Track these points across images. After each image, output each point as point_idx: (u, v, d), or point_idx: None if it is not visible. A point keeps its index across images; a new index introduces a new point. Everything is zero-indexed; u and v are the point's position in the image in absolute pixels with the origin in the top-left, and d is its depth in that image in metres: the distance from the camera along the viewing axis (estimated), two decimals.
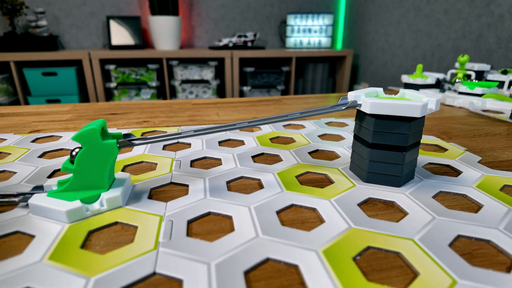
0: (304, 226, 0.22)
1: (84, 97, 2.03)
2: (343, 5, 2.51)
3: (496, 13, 1.22)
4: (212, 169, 0.31)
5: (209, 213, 0.24)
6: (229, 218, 0.23)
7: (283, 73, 2.20)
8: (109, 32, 1.96)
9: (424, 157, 0.34)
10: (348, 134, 0.42)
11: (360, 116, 0.28)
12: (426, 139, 0.41)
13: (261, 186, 0.28)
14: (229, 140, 0.40)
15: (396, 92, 0.29)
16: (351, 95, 0.27)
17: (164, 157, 0.34)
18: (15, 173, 0.30)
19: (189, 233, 0.21)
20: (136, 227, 0.22)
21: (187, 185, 0.28)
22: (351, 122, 0.48)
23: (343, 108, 0.26)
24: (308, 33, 2.35)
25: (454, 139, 0.41)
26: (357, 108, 0.27)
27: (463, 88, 0.64)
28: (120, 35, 2.00)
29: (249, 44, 2.24)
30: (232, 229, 0.22)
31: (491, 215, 0.23)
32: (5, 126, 0.47)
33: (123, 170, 0.31)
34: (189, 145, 0.38)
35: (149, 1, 1.90)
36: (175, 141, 0.39)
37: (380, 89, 0.29)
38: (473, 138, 0.41)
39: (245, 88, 2.18)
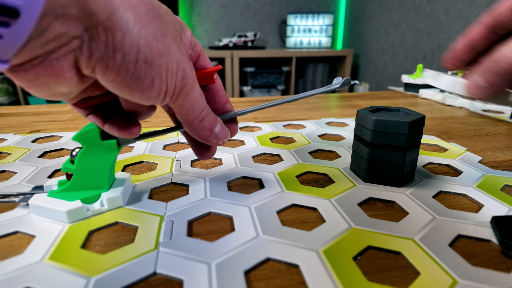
0: (304, 226, 0.22)
1: None
2: (343, 5, 2.51)
3: None
4: (212, 169, 0.31)
5: (209, 213, 0.24)
6: (230, 218, 0.23)
7: (283, 73, 2.20)
8: None
9: (424, 157, 0.34)
10: (348, 134, 0.42)
11: (360, 116, 0.28)
12: (426, 139, 0.41)
13: (261, 186, 0.28)
14: (229, 140, 0.40)
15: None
16: (428, 73, 0.26)
17: (164, 157, 0.34)
18: (15, 173, 0.30)
19: (189, 233, 0.21)
20: (136, 227, 0.22)
21: (187, 185, 0.28)
22: (351, 122, 0.48)
23: (338, 86, 0.25)
24: (308, 33, 2.35)
25: (454, 139, 0.41)
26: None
27: None
28: None
29: (249, 44, 2.24)
30: (232, 229, 0.22)
31: (492, 215, 0.23)
32: (6, 126, 0.47)
33: (123, 170, 0.31)
34: (189, 145, 0.38)
35: None
36: (176, 140, 0.39)
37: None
38: (473, 138, 0.41)
39: (245, 88, 2.18)
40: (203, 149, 0.25)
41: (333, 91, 0.26)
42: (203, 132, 0.22)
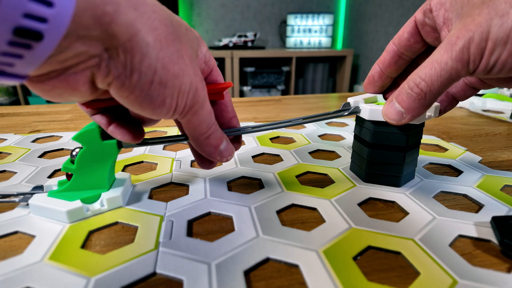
0: (304, 226, 0.22)
1: None
2: (343, 5, 2.51)
3: None
4: (212, 169, 0.31)
5: (209, 213, 0.24)
6: (230, 218, 0.23)
7: (283, 73, 2.20)
8: None
9: (424, 157, 0.34)
10: (348, 134, 0.42)
11: (360, 117, 0.28)
12: (426, 139, 0.41)
13: (261, 186, 0.28)
14: None
15: None
16: (351, 101, 0.27)
17: (164, 157, 0.34)
18: (15, 173, 0.30)
19: (189, 233, 0.21)
20: (136, 227, 0.22)
21: (187, 185, 0.28)
22: (351, 122, 0.48)
23: (346, 113, 0.26)
24: (308, 33, 2.35)
25: (454, 139, 0.41)
26: (357, 114, 0.27)
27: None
28: None
29: (249, 44, 2.24)
30: (232, 229, 0.22)
31: (492, 215, 0.23)
32: (6, 126, 0.47)
33: (123, 170, 0.31)
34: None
35: None
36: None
37: (380, 95, 0.29)
38: (473, 138, 0.41)
39: (245, 88, 2.18)
40: (205, 160, 0.26)
41: (340, 111, 0.26)
42: (208, 148, 0.22)
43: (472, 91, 0.27)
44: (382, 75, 0.27)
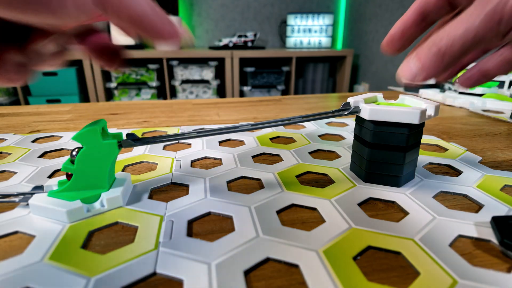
0: (304, 226, 0.22)
1: (84, 97, 2.03)
2: (343, 5, 2.51)
3: None
4: (212, 169, 0.31)
5: (209, 213, 0.24)
6: (230, 218, 0.23)
7: (283, 73, 2.20)
8: (109, 32, 1.96)
9: (424, 157, 0.34)
10: (348, 134, 0.42)
11: (360, 117, 0.28)
12: (426, 139, 0.41)
13: (261, 186, 0.28)
14: (229, 140, 0.40)
15: (395, 98, 0.30)
16: (351, 101, 0.27)
17: (164, 157, 0.34)
18: (15, 173, 0.30)
19: (189, 233, 0.21)
20: (136, 227, 0.22)
21: (187, 185, 0.28)
22: (351, 122, 0.48)
23: (346, 113, 0.26)
24: (308, 33, 2.35)
25: (454, 139, 0.41)
26: (356, 114, 0.27)
27: (463, 88, 0.64)
28: (120, 35, 2.00)
29: (249, 44, 2.24)
30: (232, 229, 0.22)
31: (492, 215, 0.23)
32: (6, 126, 0.47)
33: (123, 170, 0.31)
34: (189, 145, 0.38)
35: None
36: (176, 141, 0.39)
37: (380, 95, 0.29)
38: (473, 138, 0.41)
39: (245, 88, 2.18)
40: (115, 57, 0.22)
41: (339, 111, 0.27)
42: (160, 19, 0.17)
43: (507, 66, 0.25)
44: (403, 36, 0.25)
